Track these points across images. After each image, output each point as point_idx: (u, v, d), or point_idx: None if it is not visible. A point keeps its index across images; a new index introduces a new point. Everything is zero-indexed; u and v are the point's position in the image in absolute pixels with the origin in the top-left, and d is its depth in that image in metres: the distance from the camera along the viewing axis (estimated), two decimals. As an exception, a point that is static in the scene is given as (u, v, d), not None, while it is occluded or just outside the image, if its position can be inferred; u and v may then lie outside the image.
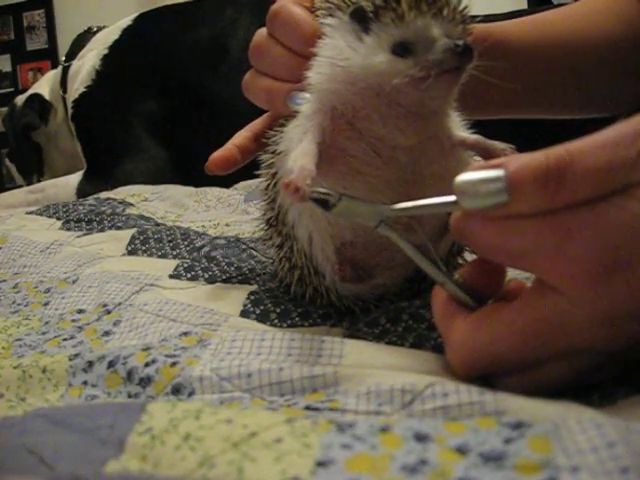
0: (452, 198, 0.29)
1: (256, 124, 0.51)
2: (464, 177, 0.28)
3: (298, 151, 0.37)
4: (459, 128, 0.41)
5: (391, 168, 0.40)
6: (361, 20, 0.38)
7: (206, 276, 0.53)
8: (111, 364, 0.35)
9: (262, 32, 0.46)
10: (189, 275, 0.54)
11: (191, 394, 0.32)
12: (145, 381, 0.34)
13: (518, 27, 0.56)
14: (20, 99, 1.65)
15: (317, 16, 0.42)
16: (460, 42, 0.36)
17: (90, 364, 0.36)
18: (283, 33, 0.43)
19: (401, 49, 0.37)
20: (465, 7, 0.38)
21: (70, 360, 0.37)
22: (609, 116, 0.63)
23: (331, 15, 0.40)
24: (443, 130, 0.41)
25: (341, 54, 0.39)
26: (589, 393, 0.30)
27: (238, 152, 0.49)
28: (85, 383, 0.35)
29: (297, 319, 0.44)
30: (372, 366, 0.32)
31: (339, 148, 0.40)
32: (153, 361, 0.34)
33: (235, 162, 0.49)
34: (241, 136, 0.51)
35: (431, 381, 0.29)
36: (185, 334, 0.38)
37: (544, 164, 0.26)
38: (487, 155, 0.40)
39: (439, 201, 0.31)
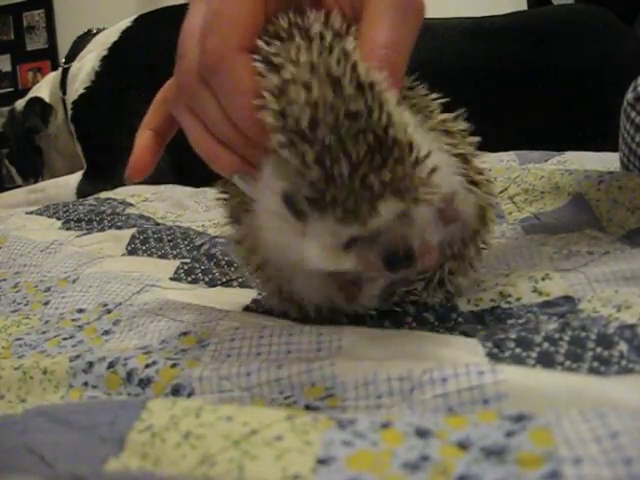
0: None
1: (152, 119, 0.44)
2: None
3: None
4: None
5: None
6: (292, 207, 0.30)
7: (206, 279, 0.53)
8: (111, 365, 0.35)
9: (187, 70, 0.36)
10: (189, 278, 0.54)
11: (190, 394, 0.32)
12: (145, 382, 0.33)
13: None
14: (20, 104, 1.64)
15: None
16: None
17: (90, 365, 0.36)
18: (220, 93, 0.34)
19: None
20: None
21: (71, 361, 0.37)
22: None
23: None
24: None
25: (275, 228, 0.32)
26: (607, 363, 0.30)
27: (149, 154, 0.43)
28: (86, 384, 0.35)
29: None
30: (369, 354, 0.32)
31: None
32: (153, 362, 0.34)
33: (151, 164, 0.43)
34: (144, 136, 0.44)
35: (428, 366, 0.29)
36: (184, 334, 0.38)
37: None
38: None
39: None
